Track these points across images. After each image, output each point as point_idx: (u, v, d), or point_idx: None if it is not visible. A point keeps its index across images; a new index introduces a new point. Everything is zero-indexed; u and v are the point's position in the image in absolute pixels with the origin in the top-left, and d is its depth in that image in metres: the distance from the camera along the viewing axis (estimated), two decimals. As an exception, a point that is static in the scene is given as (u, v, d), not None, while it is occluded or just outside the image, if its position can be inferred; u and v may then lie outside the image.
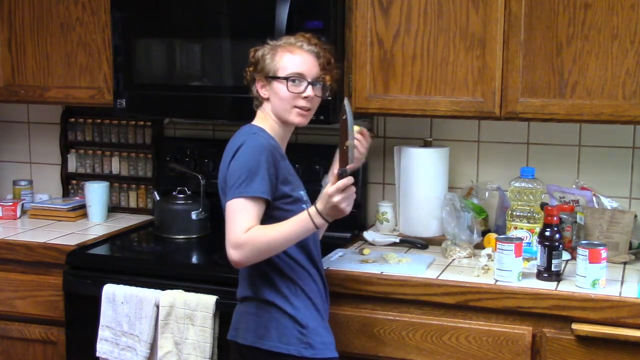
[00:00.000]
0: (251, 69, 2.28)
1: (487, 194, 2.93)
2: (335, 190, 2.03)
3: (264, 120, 2.26)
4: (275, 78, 2.21)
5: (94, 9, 3.01)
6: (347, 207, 2.06)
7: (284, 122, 2.25)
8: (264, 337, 2.18)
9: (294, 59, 2.21)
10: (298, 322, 2.18)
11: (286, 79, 2.20)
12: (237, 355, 2.26)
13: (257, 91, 2.27)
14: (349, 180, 2.04)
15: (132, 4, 2.87)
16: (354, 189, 2.06)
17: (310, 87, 2.21)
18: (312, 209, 2.09)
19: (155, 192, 3.14)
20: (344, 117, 2.09)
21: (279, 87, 2.21)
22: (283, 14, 2.60)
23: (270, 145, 2.16)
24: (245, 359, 2.23)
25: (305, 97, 2.21)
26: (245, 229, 2.06)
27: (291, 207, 2.19)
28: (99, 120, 3.43)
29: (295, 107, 2.22)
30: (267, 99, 2.25)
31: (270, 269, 2.18)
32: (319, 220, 2.07)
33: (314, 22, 2.61)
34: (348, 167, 2.07)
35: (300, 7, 2.61)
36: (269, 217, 2.13)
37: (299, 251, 2.21)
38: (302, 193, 2.27)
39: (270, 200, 2.13)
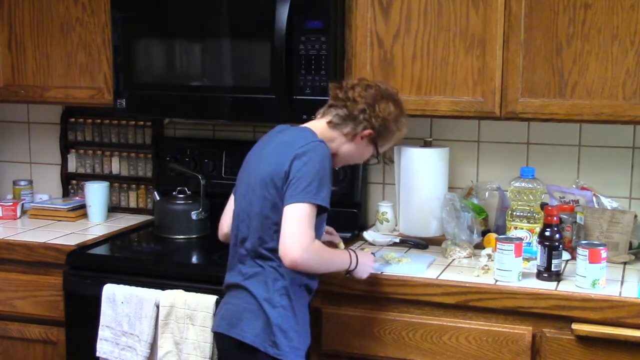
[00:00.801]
0: (377, 120, 2.27)
1: (487, 194, 2.93)
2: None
3: (330, 140, 2.27)
4: (377, 148, 2.33)
5: (94, 9, 3.01)
6: (366, 276, 2.38)
7: (333, 159, 2.31)
8: (235, 326, 2.19)
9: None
10: (271, 319, 2.17)
11: (377, 157, 2.37)
12: (214, 345, 2.35)
13: (357, 133, 2.28)
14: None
15: (132, 4, 2.87)
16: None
17: None
18: (352, 252, 2.33)
19: (155, 192, 3.14)
20: None
21: (368, 153, 2.35)
22: (283, 14, 2.60)
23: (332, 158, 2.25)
24: (218, 346, 2.30)
25: None
26: (313, 237, 2.12)
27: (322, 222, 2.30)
28: (99, 120, 3.43)
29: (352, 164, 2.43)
30: (352, 142, 2.29)
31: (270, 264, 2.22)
32: (354, 262, 2.31)
33: (314, 22, 2.61)
34: None
35: (300, 7, 2.61)
36: None
37: None
38: None
39: (327, 211, 2.20)
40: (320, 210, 2.16)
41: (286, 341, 2.18)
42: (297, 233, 2.10)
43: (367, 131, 2.27)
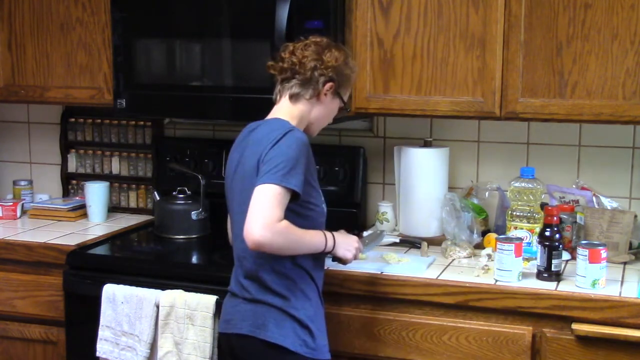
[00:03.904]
0: (330, 70, 2.24)
1: (487, 194, 2.93)
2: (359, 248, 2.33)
3: (299, 120, 2.24)
4: (341, 98, 2.30)
5: (94, 9, 3.01)
6: (351, 255, 2.29)
7: (305, 130, 2.27)
8: (260, 328, 2.16)
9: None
10: (298, 319, 2.17)
11: (345, 107, 2.34)
12: (228, 347, 2.25)
13: (320, 91, 2.24)
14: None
15: (132, 4, 2.87)
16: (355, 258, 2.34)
17: None
18: (328, 233, 2.23)
19: (155, 192, 3.14)
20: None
21: (336, 107, 2.31)
22: (283, 14, 2.60)
23: (308, 144, 2.17)
24: (239, 348, 2.21)
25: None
26: (279, 218, 2.03)
27: (313, 207, 2.22)
28: (99, 120, 3.43)
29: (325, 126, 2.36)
30: (319, 103, 2.26)
31: (275, 269, 2.18)
32: (330, 241, 2.21)
33: (314, 22, 2.61)
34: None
35: (300, 7, 2.61)
36: (289, 211, 2.11)
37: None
38: (320, 192, 2.28)
39: (298, 196, 2.10)
40: (293, 196, 2.09)
41: (312, 340, 2.18)
42: (259, 212, 2.02)
43: (328, 84, 2.24)
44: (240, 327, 2.19)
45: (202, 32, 2.83)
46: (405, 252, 2.74)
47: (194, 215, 3.02)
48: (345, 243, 2.27)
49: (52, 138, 3.54)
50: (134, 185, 3.43)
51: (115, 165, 3.45)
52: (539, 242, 2.42)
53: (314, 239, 2.18)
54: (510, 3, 2.52)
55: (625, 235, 2.60)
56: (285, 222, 2.05)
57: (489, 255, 2.57)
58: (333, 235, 2.24)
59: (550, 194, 2.82)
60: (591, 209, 2.68)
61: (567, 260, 2.58)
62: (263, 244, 2.03)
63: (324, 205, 2.29)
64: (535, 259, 2.46)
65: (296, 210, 2.14)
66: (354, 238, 2.33)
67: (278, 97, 2.29)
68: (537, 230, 2.59)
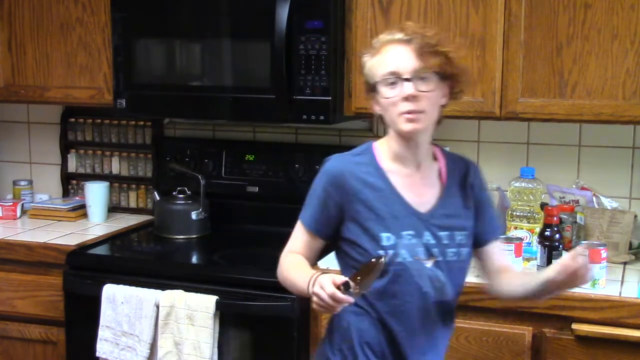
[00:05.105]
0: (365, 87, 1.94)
1: (487, 194, 2.93)
2: (333, 293, 1.69)
3: (387, 138, 1.93)
4: (374, 86, 1.86)
5: (94, 9, 3.00)
6: (316, 304, 1.73)
7: (400, 135, 1.87)
8: None
9: (385, 58, 1.83)
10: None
11: (380, 82, 1.84)
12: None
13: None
14: (349, 299, 1.70)
15: (132, 4, 2.87)
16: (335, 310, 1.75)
17: (409, 83, 1.79)
18: (315, 273, 1.77)
19: (155, 192, 3.14)
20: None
21: (379, 94, 1.85)
22: (283, 14, 2.60)
23: (342, 173, 1.88)
24: None
25: (406, 98, 1.80)
26: (289, 250, 1.97)
27: (362, 251, 1.86)
28: (99, 120, 3.43)
29: (401, 113, 1.81)
30: (374, 103, 1.90)
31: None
32: (312, 285, 1.74)
33: (314, 22, 2.61)
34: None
35: (300, 7, 2.61)
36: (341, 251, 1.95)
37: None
38: (383, 235, 1.84)
39: (314, 233, 1.93)
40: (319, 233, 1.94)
41: None
42: None
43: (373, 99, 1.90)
44: None
45: (202, 32, 2.83)
46: (405, 252, 2.73)
47: (194, 215, 3.02)
48: (316, 290, 1.72)
49: (52, 138, 3.54)
50: (134, 185, 3.43)
51: (115, 165, 3.45)
52: (539, 242, 2.42)
53: (298, 278, 1.84)
54: (510, 3, 2.52)
55: (625, 235, 2.60)
56: (292, 256, 1.94)
57: (489, 255, 2.57)
58: (316, 276, 1.75)
59: (550, 194, 2.82)
60: (591, 209, 2.68)
61: (567, 260, 2.58)
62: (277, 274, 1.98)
63: (381, 252, 1.82)
64: (535, 259, 2.46)
65: (346, 251, 1.91)
66: (327, 280, 1.70)
67: None
68: (537, 230, 2.59)
